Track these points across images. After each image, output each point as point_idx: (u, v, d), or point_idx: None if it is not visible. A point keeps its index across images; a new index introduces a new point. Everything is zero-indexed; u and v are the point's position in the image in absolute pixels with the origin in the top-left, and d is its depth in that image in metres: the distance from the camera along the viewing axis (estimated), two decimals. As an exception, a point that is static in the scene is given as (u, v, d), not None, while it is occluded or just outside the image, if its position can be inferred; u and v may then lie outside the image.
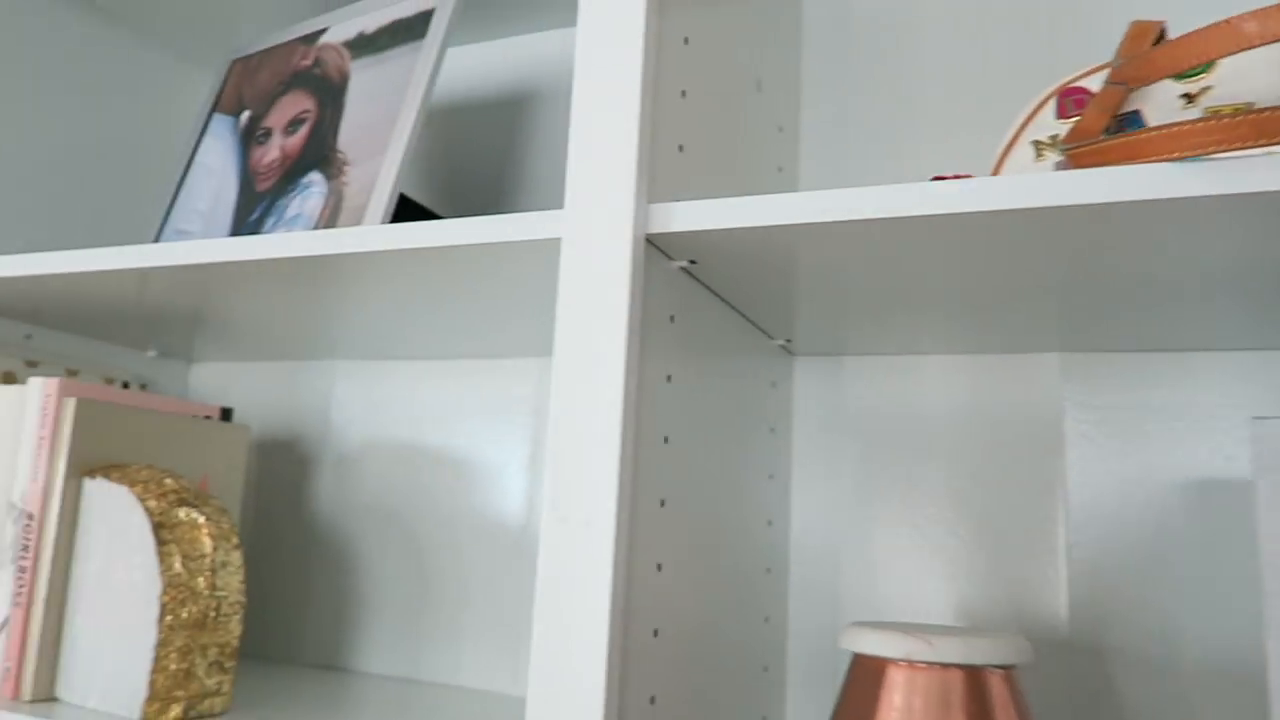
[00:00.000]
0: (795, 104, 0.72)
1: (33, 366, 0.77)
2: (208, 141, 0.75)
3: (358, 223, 0.59)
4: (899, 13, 0.72)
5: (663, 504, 0.49)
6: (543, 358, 0.79)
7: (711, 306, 0.56)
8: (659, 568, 0.48)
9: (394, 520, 0.82)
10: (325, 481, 0.86)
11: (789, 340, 0.67)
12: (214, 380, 0.94)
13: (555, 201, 0.81)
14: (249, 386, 0.92)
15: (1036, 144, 0.52)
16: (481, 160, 0.85)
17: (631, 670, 0.44)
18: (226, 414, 0.77)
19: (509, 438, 0.79)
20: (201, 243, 0.58)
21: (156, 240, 0.74)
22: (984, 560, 0.64)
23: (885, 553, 0.67)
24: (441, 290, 0.59)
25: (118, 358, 0.88)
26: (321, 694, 0.71)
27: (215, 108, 0.77)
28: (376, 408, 0.85)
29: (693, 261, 0.50)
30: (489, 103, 0.85)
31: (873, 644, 0.48)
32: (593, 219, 0.45)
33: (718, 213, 0.45)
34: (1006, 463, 0.65)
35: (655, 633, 0.48)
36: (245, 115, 0.74)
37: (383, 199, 0.58)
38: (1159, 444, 0.61)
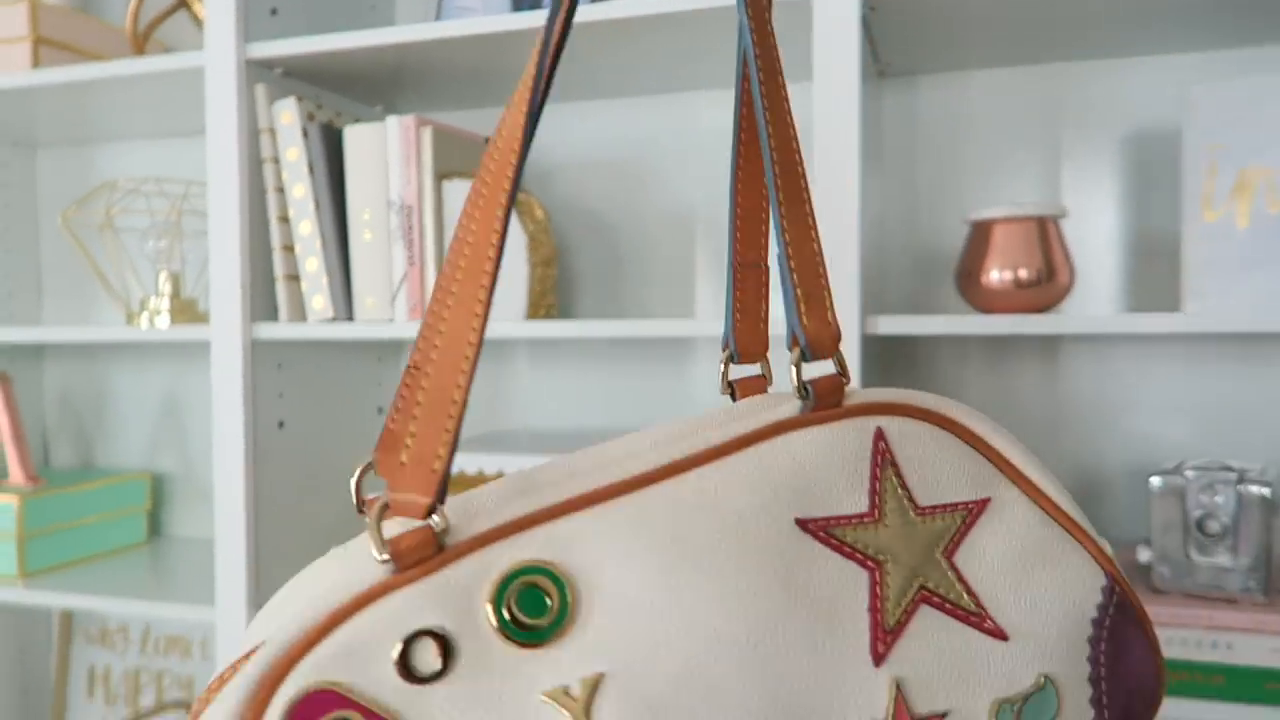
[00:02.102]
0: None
1: (321, 110, 1.07)
2: (461, -61, 1.03)
3: None
4: None
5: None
6: (702, 90, 1.13)
7: None
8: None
9: (595, 217, 1.18)
10: (542, 194, 1.20)
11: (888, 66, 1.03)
12: (416, 127, 1.25)
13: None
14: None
15: None
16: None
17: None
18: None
19: (690, 159, 1.14)
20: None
21: (438, 17, 1.03)
22: None
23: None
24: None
25: (357, 109, 1.18)
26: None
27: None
28: (581, 134, 1.18)
29: None
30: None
31: None
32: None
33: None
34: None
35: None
36: (494, -82, 1.02)
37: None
38: None
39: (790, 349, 0.36)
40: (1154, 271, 0.99)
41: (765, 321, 0.44)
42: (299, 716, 0.28)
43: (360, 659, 0.29)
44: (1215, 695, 0.76)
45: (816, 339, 0.36)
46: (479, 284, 0.33)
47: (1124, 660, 0.35)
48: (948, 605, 0.34)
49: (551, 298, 0.99)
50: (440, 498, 0.31)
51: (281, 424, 1.06)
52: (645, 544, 0.32)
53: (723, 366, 0.41)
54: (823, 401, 0.35)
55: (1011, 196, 1.02)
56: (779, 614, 0.32)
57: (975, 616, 0.34)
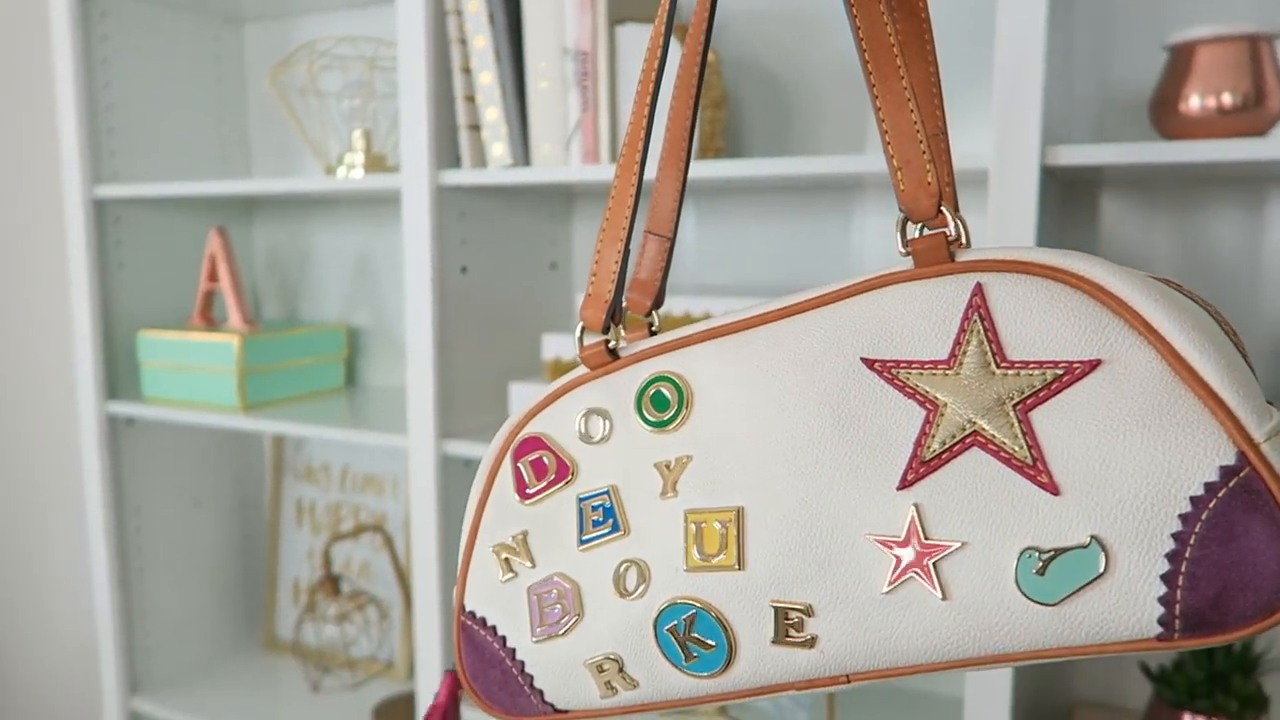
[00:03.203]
0: None
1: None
2: None
3: None
4: None
5: None
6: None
7: None
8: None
9: (764, 70, 1.17)
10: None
11: None
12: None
13: None
14: None
15: (501, 550, 0.47)
16: None
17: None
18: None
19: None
20: None
21: None
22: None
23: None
24: None
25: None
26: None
27: None
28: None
29: None
30: None
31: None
32: None
33: None
34: None
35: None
36: None
37: None
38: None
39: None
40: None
41: (951, 185, 0.46)
42: (521, 449, 0.47)
43: (559, 422, 0.47)
44: None
45: (913, 203, 0.39)
46: (633, 161, 0.46)
47: (1229, 547, 0.33)
48: (1003, 453, 0.36)
49: (720, 141, 0.99)
50: (611, 317, 0.47)
51: (464, 269, 1.13)
52: (736, 368, 0.42)
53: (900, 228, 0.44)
54: (924, 259, 0.39)
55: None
56: (824, 434, 0.39)
57: (1029, 468, 0.36)
